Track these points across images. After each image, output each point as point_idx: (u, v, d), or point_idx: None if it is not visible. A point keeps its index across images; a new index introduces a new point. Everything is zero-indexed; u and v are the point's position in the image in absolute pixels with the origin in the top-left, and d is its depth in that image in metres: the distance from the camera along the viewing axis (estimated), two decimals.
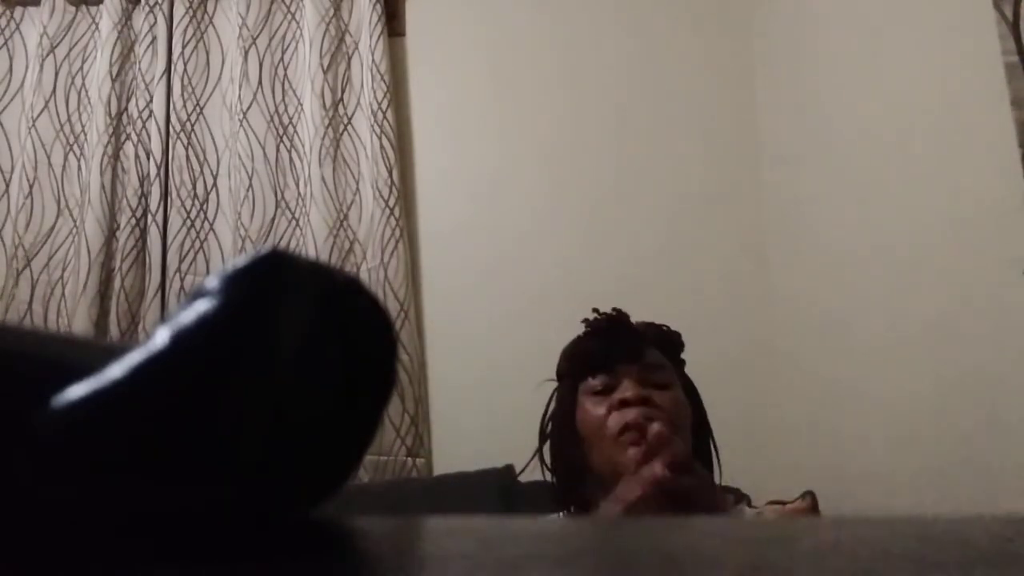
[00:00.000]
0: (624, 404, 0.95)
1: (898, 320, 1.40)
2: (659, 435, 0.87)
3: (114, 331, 1.82)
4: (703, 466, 1.03)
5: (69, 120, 1.99)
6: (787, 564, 0.21)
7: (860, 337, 1.52)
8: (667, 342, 1.06)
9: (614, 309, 1.04)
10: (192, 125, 1.96)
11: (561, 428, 1.04)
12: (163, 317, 1.83)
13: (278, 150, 1.95)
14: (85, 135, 1.98)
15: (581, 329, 1.06)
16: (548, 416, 1.08)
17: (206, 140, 1.97)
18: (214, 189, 1.94)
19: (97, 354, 0.24)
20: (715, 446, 1.05)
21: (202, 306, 0.24)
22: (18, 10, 2.07)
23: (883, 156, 1.46)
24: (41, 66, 1.99)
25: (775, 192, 1.91)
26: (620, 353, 0.99)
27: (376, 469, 1.72)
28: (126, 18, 2.02)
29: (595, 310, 1.05)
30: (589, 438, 0.98)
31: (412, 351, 1.83)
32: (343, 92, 1.98)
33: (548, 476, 1.06)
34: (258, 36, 2.00)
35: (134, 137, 1.94)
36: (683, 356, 1.09)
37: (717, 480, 1.05)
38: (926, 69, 1.35)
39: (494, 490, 1.53)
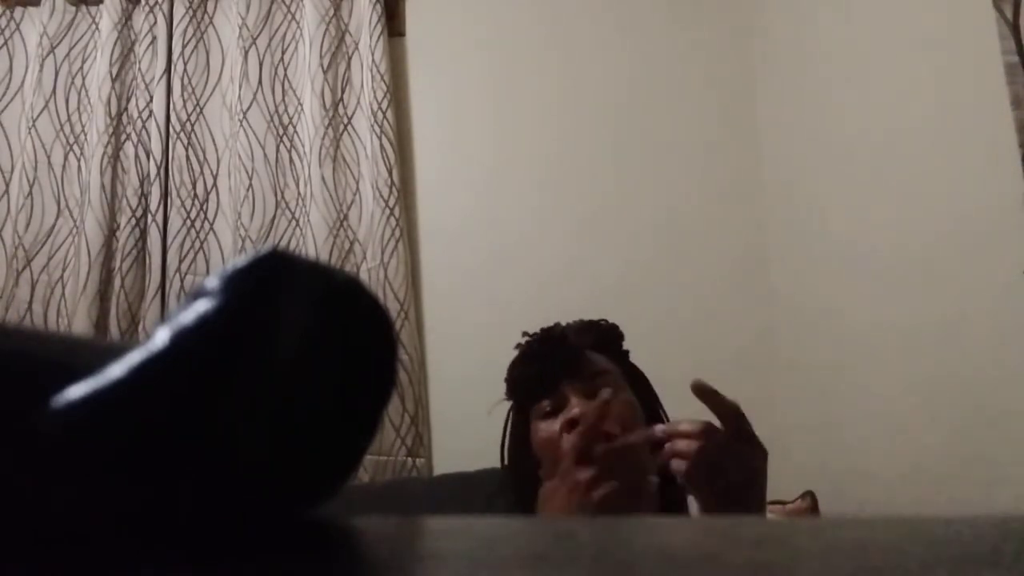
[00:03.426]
0: (572, 424, 0.93)
1: (898, 320, 1.40)
2: (607, 454, 0.86)
3: (114, 331, 1.82)
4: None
5: (69, 120, 1.99)
6: (787, 564, 0.21)
7: (860, 337, 1.52)
8: (604, 341, 1.04)
9: (543, 329, 1.03)
10: (192, 125, 1.96)
11: (518, 455, 1.03)
12: (163, 317, 1.83)
13: (278, 150, 1.95)
14: (85, 135, 1.98)
15: (514, 357, 1.04)
16: (506, 443, 1.07)
17: (206, 140, 1.97)
18: (214, 189, 1.94)
19: (97, 354, 0.24)
20: None
21: (202, 306, 0.24)
22: (18, 10, 2.07)
23: (883, 156, 1.46)
24: (41, 66, 1.99)
25: (775, 192, 1.91)
26: (559, 371, 0.97)
27: (376, 469, 1.72)
28: (126, 18, 2.02)
29: (525, 333, 1.04)
30: (546, 460, 0.96)
31: (412, 351, 1.83)
32: (343, 92, 1.98)
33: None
34: (258, 36, 2.00)
35: (134, 137, 1.94)
36: (625, 347, 1.07)
37: None
38: (926, 69, 1.35)
39: (494, 490, 1.52)
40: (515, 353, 1.04)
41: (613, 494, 0.82)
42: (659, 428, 0.87)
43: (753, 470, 0.84)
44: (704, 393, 0.84)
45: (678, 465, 0.83)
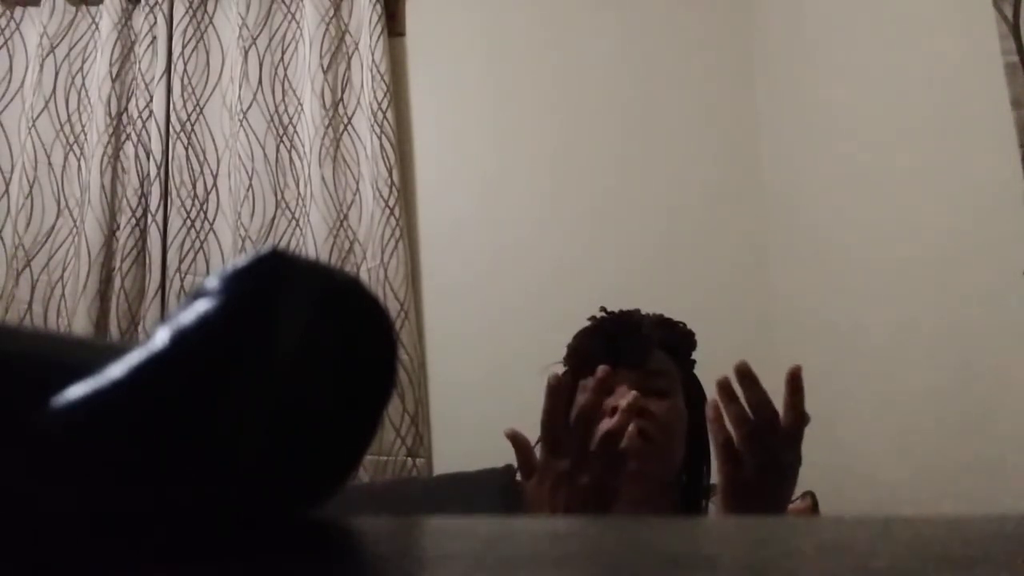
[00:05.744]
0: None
1: (898, 320, 1.40)
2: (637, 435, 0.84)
3: (114, 331, 1.82)
4: (694, 472, 1.02)
5: (69, 120, 1.99)
6: (787, 564, 0.21)
7: (860, 337, 1.52)
8: (675, 344, 1.04)
9: (621, 311, 1.03)
10: (192, 125, 1.96)
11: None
12: (163, 317, 1.83)
13: (278, 150, 1.95)
14: (85, 135, 1.98)
15: (585, 326, 1.05)
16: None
17: (206, 140, 1.97)
18: (214, 189, 1.95)
19: (97, 354, 0.24)
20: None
21: (202, 306, 0.24)
22: (18, 10, 2.07)
23: (883, 155, 1.46)
24: (41, 66, 1.99)
25: (775, 191, 1.91)
26: (622, 356, 0.97)
27: (376, 469, 1.72)
28: (126, 18, 2.02)
29: (603, 309, 1.04)
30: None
31: (412, 351, 1.83)
32: (343, 92, 1.98)
33: None
34: (258, 36, 2.00)
35: (134, 137, 1.94)
36: (694, 356, 1.07)
37: (709, 481, 1.03)
38: (926, 69, 1.35)
39: (494, 490, 1.53)
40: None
41: (589, 486, 0.77)
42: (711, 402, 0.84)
43: (795, 466, 0.83)
44: (796, 385, 0.83)
45: (731, 431, 0.79)
